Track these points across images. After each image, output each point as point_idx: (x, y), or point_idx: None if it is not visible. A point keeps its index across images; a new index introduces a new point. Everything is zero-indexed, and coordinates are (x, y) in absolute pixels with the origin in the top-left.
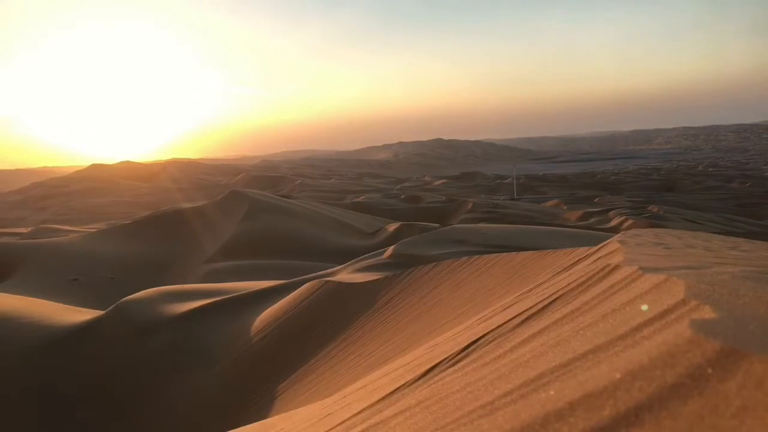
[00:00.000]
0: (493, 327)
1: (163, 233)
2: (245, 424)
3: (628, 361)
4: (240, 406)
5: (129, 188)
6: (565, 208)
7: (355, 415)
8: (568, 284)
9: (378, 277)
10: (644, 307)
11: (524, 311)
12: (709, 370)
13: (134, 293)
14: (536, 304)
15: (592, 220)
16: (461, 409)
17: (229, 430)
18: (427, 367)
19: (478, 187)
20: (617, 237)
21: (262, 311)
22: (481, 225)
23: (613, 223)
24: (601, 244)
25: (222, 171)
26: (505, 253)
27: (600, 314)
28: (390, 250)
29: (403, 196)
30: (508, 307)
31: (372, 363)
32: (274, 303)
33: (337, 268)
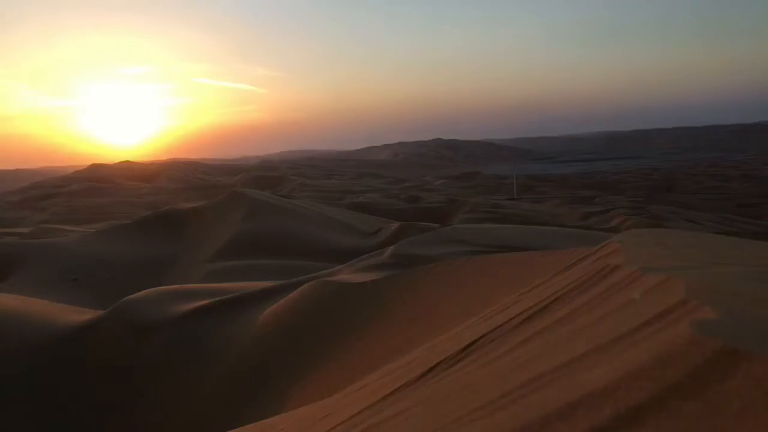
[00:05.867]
0: (493, 327)
1: (163, 233)
2: (245, 424)
3: (628, 361)
4: (240, 406)
5: (129, 188)
6: (565, 208)
7: (355, 415)
8: (568, 284)
9: (378, 277)
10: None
11: (524, 311)
12: (709, 370)
13: (134, 293)
14: (536, 304)
15: (592, 220)
16: (461, 409)
17: (230, 430)
18: (427, 367)
19: (478, 187)
20: (617, 237)
21: (262, 311)
22: (482, 225)
23: (613, 223)
24: (601, 244)
25: (222, 171)
26: (505, 253)
27: (600, 314)
28: (390, 250)
29: (403, 196)
30: (508, 307)
31: (372, 363)
32: (274, 303)
33: (337, 268)
